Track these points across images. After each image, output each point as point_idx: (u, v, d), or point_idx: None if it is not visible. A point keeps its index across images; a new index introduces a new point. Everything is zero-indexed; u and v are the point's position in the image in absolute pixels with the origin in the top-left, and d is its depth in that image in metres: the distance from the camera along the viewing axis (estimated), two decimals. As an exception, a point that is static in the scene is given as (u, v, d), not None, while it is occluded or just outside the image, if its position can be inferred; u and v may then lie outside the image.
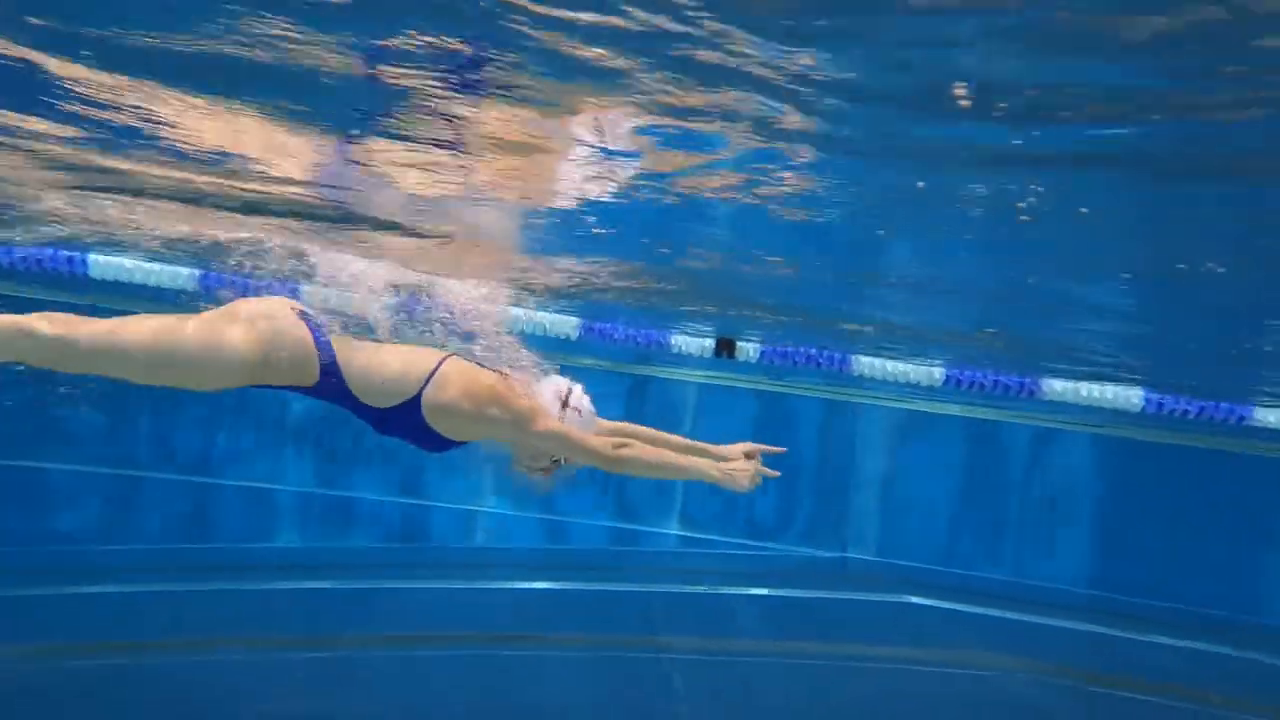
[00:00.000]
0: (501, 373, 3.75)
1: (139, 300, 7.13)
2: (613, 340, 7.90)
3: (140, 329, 3.30)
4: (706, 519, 11.30)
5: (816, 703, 7.17)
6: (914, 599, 10.08)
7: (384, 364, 3.58)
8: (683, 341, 7.71)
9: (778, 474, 3.73)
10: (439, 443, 3.65)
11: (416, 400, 3.53)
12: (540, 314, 7.45)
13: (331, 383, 3.54)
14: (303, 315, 3.59)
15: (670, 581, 10.21)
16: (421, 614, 8.56)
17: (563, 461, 3.76)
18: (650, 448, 3.69)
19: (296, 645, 7.45)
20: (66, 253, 6.73)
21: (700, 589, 10.05)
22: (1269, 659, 9.15)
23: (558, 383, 3.75)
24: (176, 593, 8.23)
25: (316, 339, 3.52)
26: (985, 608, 9.91)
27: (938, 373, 7.74)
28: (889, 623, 9.63)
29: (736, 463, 3.68)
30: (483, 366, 3.74)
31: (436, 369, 3.56)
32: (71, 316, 3.24)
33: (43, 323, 3.16)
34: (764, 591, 10.26)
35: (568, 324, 7.76)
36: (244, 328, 3.42)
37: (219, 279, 7.32)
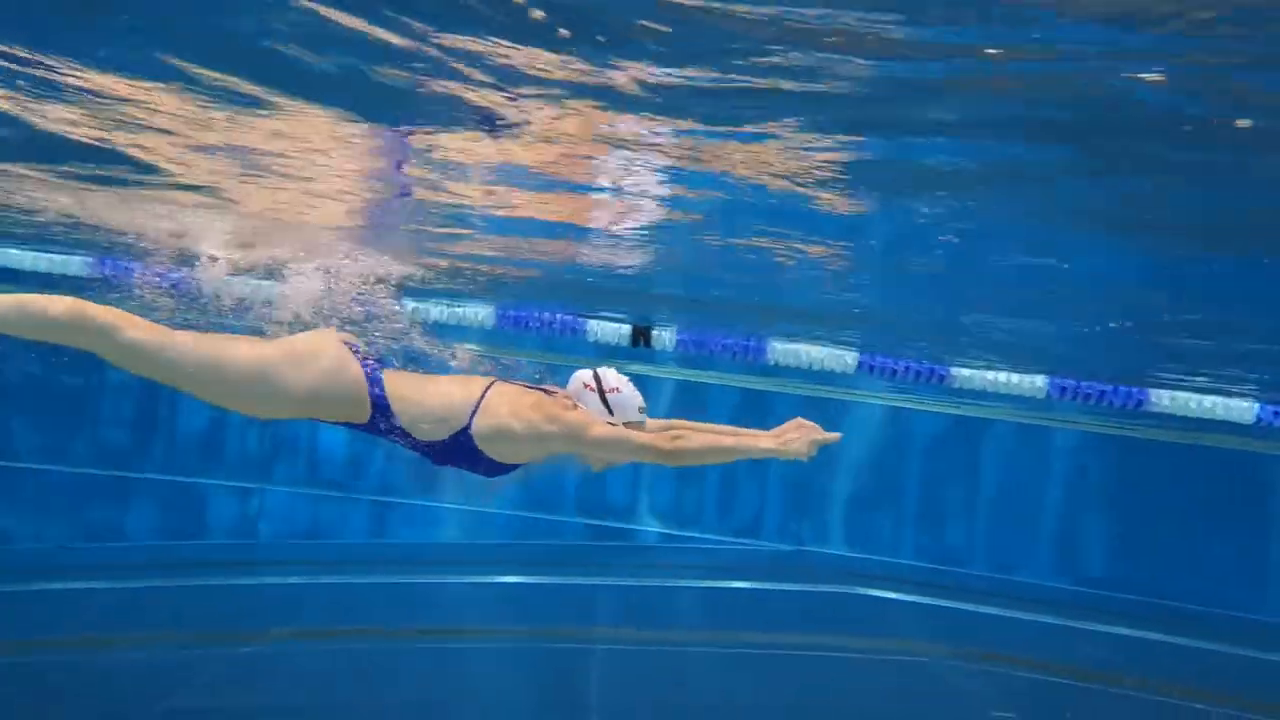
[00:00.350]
0: (546, 390, 3.77)
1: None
2: (528, 328, 7.87)
3: (197, 349, 3.41)
4: (672, 515, 11.50)
5: (738, 692, 7.23)
6: (865, 590, 10.30)
7: (431, 397, 3.61)
8: (599, 328, 7.71)
9: (839, 436, 3.65)
10: (497, 468, 3.67)
11: (467, 430, 3.55)
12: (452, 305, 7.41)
13: (384, 419, 3.57)
14: (353, 349, 3.65)
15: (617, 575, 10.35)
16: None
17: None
18: (703, 434, 3.67)
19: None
20: None
21: (650, 582, 10.19)
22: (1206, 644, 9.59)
23: (584, 375, 3.75)
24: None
25: (368, 374, 3.57)
26: (935, 599, 10.14)
27: (850, 358, 7.86)
28: (832, 613, 9.80)
29: (790, 434, 3.58)
30: (529, 388, 3.76)
31: (482, 397, 3.59)
32: (141, 321, 3.39)
33: (111, 319, 3.33)
34: (709, 584, 10.41)
35: (482, 313, 7.72)
36: (296, 363, 3.48)
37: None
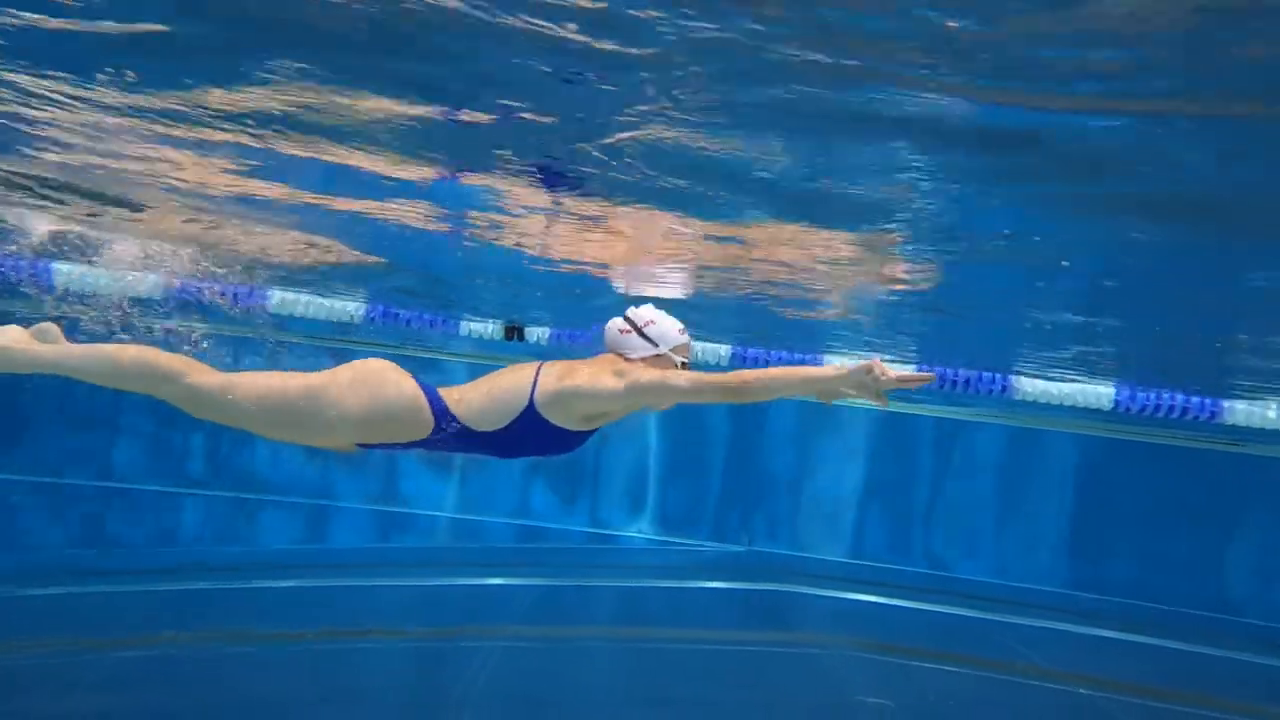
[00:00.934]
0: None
1: None
2: (401, 323, 7.77)
3: (258, 387, 3.50)
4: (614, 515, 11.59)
5: (627, 682, 7.29)
6: (798, 589, 10.50)
7: (486, 391, 3.62)
8: (471, 324, 7.68)
9: (932, 375, 3.48)
10: (566, 438, 3.64)
11: (530, 405, 3.54)
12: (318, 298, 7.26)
13: (447, 426, 3.60)
14: (403, 371, 3.70)
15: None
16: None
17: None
18: (769, 370, 3.43)
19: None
20: None
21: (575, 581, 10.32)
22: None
23: (614, 324, 3.73)
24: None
25: (424, 388, 3.60)
26: (864, 594, 10.44)
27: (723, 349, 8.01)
28: (753, 610, 9.99)
29: (864, 372, 3.26)
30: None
31: (536, 375, 3.59)
32: (203, 365, 3.53)
33: (177, 365, 3.47)
34: (631, 584, 10.56)
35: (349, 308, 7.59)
36: (355, 386, 3.54)
37: None
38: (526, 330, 7.75)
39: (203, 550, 11.11)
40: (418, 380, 3.62)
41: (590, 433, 3.67)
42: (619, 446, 11.74)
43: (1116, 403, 8.54)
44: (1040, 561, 11.39)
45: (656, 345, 3.64)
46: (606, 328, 3.74)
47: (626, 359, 3.65)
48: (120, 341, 3.68)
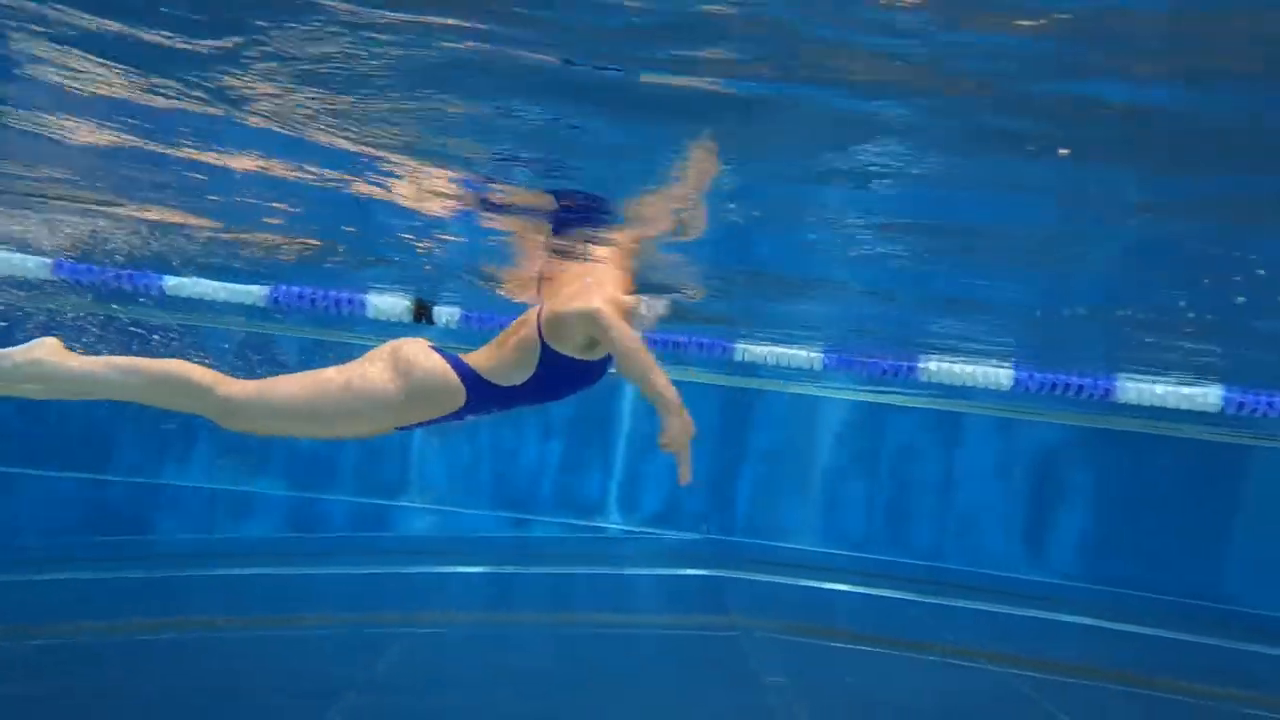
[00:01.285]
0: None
1: None
2: (304, 303, 7.58)
3: (293, 389, 3.53)
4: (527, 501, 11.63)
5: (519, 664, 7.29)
6: (718, 572, 10.64)
7: (508, 344, 3.68)
8: (378, 302, 7.52)
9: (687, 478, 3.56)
10: (585, 368, 3.69)
11: (543, 344, 3.60)
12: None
13: (479, 391, 3.63)
14: (431, 347, 3.72)
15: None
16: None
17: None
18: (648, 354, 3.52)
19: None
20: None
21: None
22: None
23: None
24: None
25: (450, 359, 3.65)
26: (790, 578, 10.63)
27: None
28: (690, 595, 10.13)
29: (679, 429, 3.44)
30: None
31: (540, 313, 3.66)
32: (225, 377, 3.53)
33: (209, 379, 3.49)
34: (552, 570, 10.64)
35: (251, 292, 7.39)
36: (394, 371, 3.57)
37: None
38: (435, 311, 7.63)
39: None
40: (442, 353, 3.66)
41: (602, 362, 3.72)
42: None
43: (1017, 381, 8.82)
44: (976, 544, 11.70)
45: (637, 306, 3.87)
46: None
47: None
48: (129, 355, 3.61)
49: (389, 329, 7.92)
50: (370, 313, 7.62)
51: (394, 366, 3.58)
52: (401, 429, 3.72)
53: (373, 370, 3.58)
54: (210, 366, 3.58)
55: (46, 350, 3.44)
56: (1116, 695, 7.87)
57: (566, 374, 3.68)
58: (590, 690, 6.71)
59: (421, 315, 7.54)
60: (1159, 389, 7.98)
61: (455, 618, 8.60)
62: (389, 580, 9.91)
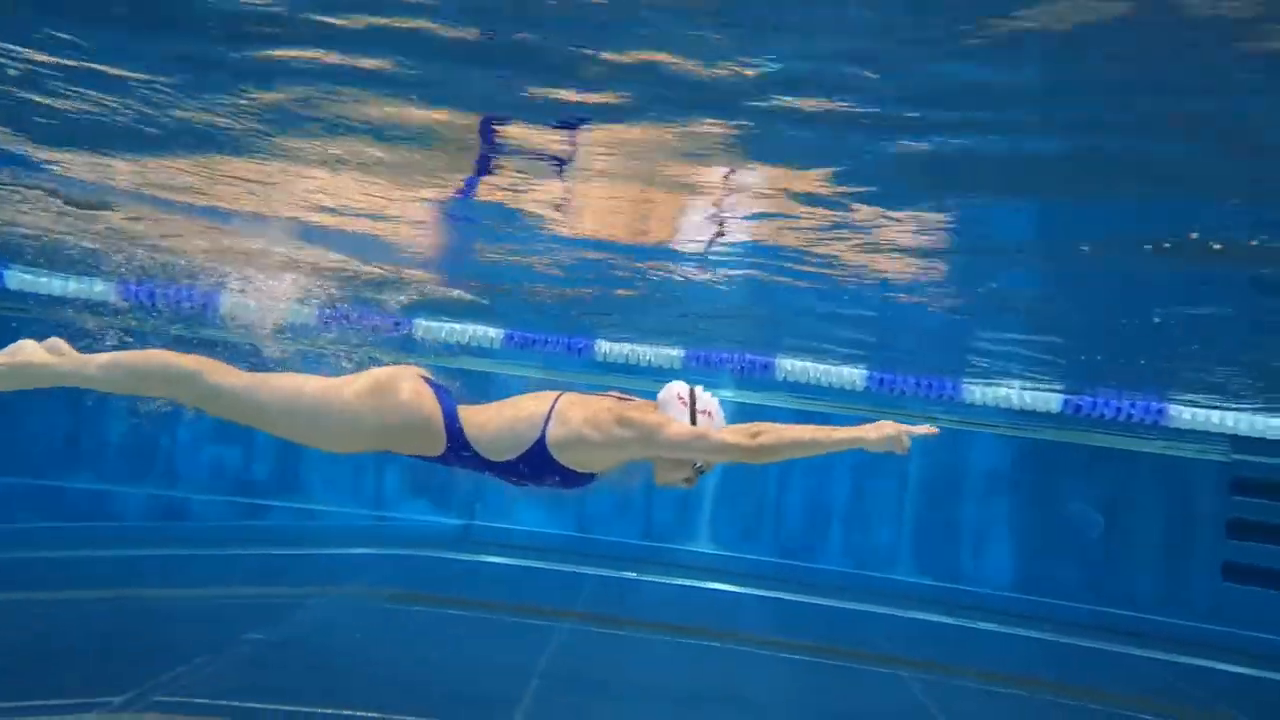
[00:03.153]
0: (615, 396, 3.82)
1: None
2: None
3: (276, 388, 3.53)
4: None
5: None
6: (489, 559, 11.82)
7: (503, 416, 3.63)
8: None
9: (935, 430, 3.62)
10: (577, 479, 3.66)
11: (542, 441, 3.54)
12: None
13: (459, 447, 3.61)
14: (430, 383, 3.70)
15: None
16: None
17: (704, 466, 3.71)
18: (789, 428, 3.57)
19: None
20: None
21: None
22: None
23: (678, 387, 3.72)
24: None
25: (443, 405, 3.61)
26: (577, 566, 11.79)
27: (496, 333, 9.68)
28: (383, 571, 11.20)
29: (885, 429, 3.54)
30: (599, 395, 3.79)
31: (553, 407, 3.60)
32: (221, 365, 3.55)
33: (195, 366, 3.48)
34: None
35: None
36: (374, 395, 3.54)
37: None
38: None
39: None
40: (440, 395, 3.63)
41: (594, 475, 3.69)
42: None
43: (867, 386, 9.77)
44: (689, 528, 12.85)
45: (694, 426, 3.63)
46: (667, 386, 3.74)
47: (656, 410, 3.68)
48: (129, 348, 3.63)
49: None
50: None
51: (373, 391, 3.52)
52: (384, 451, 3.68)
53: (350, 390, 3.51)
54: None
55: (27, 354, 3.44)
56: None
57: (549, 474, 3.64)
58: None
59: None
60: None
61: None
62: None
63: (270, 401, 3.46)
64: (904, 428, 3.50)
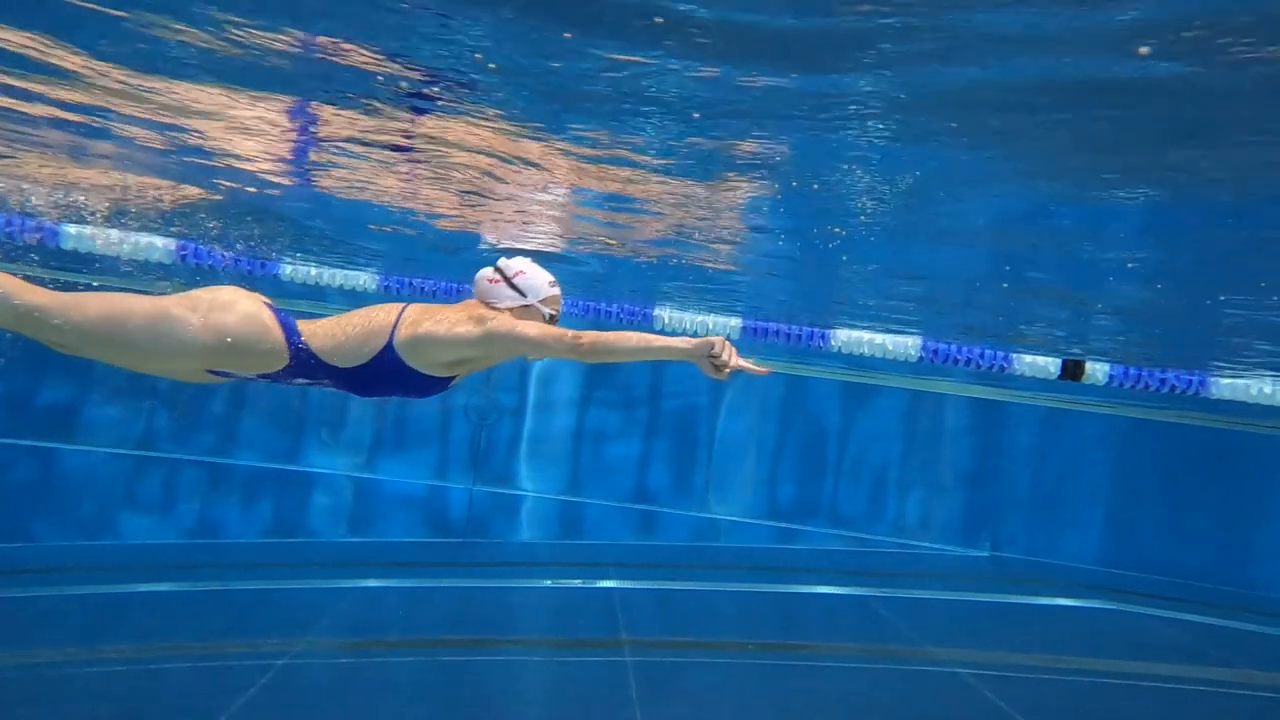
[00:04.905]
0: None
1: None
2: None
3: (96, 304, 3.36)
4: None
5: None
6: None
7: (348, 325, 3.59)
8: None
9: (766, 369, 3.53)
10: (427, 383, 3.64)
11: (389, 345, 3.54)
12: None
13: (302, 358, 3.54)
14: (263, 302, 3.61)
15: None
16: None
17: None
18: (617, 332, 3.45)
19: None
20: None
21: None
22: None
23: (485, 271, 3.75)
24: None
25: (280, 319, 3.54)
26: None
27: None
28: None
29: (709, 345, 3.40)
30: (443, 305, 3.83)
31: (400, 314, 3.60)
32: (36, 287, 3.34)
33: (8, 286, 3.28)
34: None
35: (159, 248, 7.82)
36: (209, 310, 3.44)
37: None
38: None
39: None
40: (273, 309, 3.55)
41: (449, 379, 3.66)
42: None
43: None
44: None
45: (525, 296, 3.65)
46: (477, 277, 3.75)
47: (492, 307, 3.64)
48: None
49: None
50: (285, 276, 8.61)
51: (218, 307, 3.46)
52: (216, 375, 3.60)
53: (195, 306, 3.44)
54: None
55: None
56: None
57: (397, 379, 3.60)
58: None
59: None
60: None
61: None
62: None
63: (95, 322, 3.32)
64: (732, 352, 3.35)
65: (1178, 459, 12.32)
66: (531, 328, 3.43)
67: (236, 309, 3.47)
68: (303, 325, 3.58)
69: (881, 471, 12.86)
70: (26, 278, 3.42)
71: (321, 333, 3.57)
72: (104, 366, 3.88)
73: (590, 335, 3.37)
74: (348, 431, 12.25)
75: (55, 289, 3.41)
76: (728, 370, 3.32)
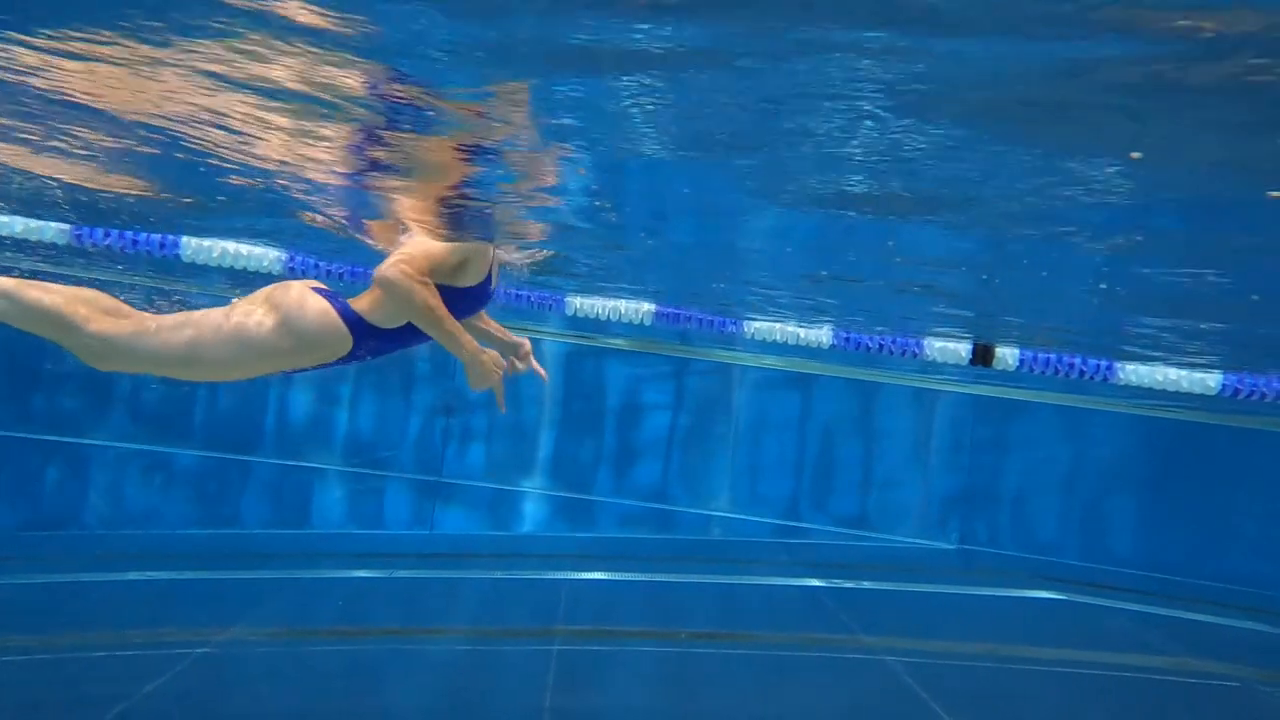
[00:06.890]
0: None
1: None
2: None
3: (179, 336, 3.39)
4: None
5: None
6: None
7: (374, 293, 3.58)
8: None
9: (544, 375, 3.76)
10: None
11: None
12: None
13: (364, 335, 3.55)
14: (317, 290, 3.59)
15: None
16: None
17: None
18: (439, 301, 3.48)
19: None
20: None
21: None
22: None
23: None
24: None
25: (334, 303, 3.55)
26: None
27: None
28: None
29: (494, 356, 3.55)
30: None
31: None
32: (99, 316, 3.36)
33: (80, 318, 3.32)
34: None
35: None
36: (265, 314, 3.46)
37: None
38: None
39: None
40: (326, 295, 3.56)
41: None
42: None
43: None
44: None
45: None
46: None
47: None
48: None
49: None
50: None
51: (276, 313, 3.46)
52: (289, 373, 3.66)
53: (254, 318, 3.45)
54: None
55: None
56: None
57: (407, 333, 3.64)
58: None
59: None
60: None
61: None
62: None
63: (168, 349, 3.36)
64: (516, 362, 3.69)
65: (1153, 451, 12.27)
66: (398, 267, 3.43)
67: (305, 308, 3.51)
68: (352, 302, 3.61)
69: (847, 464, 12.77)
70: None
71: (368, 304, 3.59)
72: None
73: (420, 283, 3.40)
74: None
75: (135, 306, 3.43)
76: (479, 388, 3.51)
